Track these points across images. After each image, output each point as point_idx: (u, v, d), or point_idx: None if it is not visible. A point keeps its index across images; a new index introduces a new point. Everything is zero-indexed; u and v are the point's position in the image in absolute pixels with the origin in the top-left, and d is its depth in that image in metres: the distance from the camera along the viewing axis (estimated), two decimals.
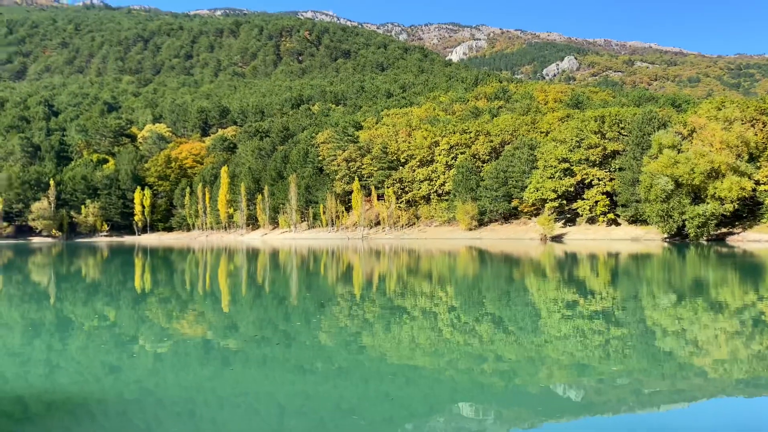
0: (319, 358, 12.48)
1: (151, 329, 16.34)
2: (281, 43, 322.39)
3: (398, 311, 18.70)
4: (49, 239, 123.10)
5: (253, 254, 59.77)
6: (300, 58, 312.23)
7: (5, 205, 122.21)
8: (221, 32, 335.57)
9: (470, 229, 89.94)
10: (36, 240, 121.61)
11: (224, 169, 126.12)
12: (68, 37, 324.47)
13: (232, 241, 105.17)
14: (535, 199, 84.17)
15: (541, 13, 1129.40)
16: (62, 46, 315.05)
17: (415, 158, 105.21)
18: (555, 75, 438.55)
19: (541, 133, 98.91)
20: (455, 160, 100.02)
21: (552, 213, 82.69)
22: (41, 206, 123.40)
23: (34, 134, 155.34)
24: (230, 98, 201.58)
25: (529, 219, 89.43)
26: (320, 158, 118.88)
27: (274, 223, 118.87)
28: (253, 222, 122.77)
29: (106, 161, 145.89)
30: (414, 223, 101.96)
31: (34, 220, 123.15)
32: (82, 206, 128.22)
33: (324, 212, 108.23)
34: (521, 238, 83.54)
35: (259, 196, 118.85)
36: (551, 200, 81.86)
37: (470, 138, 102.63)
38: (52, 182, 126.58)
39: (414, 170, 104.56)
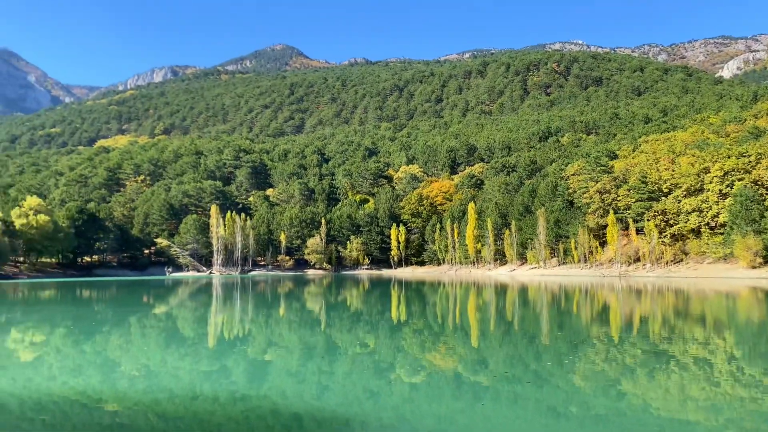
0: (574, 403, 11.70)
1: (406, 358, 17.11)
2: (528, 78, 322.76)
3: (664, 357, 16.74)
4: (321, 271, 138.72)
5: (501, 290, 59.59)
6: (548, 90, 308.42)
7: (287, 241, 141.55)
8: (469, 74, 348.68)
9: (753, 267, 77.54)
10: (310, 272, 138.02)
11: (471, 205, 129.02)
12: (336, 92, 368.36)
13: (479, 276, 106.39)
14: None
15: None
16: (331, 100, 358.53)
17: (681, 187, 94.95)
18: None
19: None
20: (731, 187, 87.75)
21: None
22: (314, 242, 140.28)
23: (310, 179, 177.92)
24: (477, 136, 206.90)
25: None
26: (570, 191, 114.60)
27: (522, 258, 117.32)
28: (500, 257, 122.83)
29: (366, 201, 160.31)
30: (681, 260, 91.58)
31: (309, 254, 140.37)
32: (347, 242, 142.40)
33: (575, 247, 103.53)
34: None
35: (507, 231, 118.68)
36: None
37: (750, 162, 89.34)
38: (323, 221, 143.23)
39: (679, 200, 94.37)
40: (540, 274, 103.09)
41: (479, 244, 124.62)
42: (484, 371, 14.96)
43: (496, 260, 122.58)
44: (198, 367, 16.04)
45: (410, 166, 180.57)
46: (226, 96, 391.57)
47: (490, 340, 21.62)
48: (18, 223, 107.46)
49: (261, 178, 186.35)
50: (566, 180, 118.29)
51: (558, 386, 13.16)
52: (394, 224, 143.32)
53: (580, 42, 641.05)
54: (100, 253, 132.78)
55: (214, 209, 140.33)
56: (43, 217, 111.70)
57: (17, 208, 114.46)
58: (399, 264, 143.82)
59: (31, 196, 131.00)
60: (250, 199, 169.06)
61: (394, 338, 21.95)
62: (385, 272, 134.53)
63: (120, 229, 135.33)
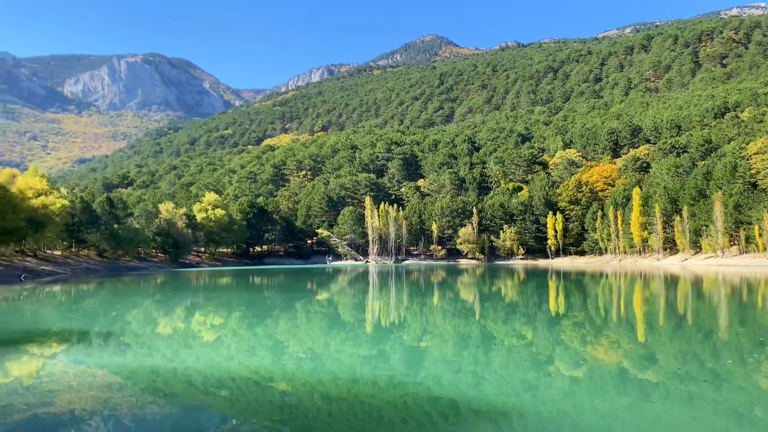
0: (761, 406, 10.51)
1: (566, 351, 16.48)
2: (699, 49, 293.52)
3: None
4: (473, 261, 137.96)
5: (671, 281, 55.07)
6: (724, 61, 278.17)
7: (439, 231, 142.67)
8: (631, 49, 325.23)
9: None
10: (463, 261, 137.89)
11: (636, 190, 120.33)
12: (486, 78, 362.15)
13: (646, 266, 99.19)
14: None
15: None
16: (482, 87, 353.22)
17: None
18: None
19: None
20: None
21: None
22: (466, 231, 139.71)
23: (460, 168, 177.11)
24: (642, 116, 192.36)
25: None
26: (753, 171, 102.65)
27: (696, 247, 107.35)
28: (670, 246, 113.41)
29: (520, 189, 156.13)
30: None
31: (460, 244, 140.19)
32: (500, 231, 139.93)
33: (760, 234, 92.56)
34: None
35: (677, 218, 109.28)
36: None
37: None
38: (474, 210, 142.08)
39: None
40: (717, 264, 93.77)
41: (646, 231, 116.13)
42: (653, 367, 13.95)
43: (665, 249, 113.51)
44: (358, 351, 16.76)
45: (567, 150, 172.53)
46: (378, 91, 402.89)
47: (659, 334, 20.10)
48: (199, 217, 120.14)
49: (412, 169, 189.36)
50: (748, 160, 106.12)
51: (740, 386, 11.91)
52: (550, 212, 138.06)
53: (763, 4, 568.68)
54: (269, 243, 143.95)
55: (368, 201, 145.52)
56: (219, 211, 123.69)
57: (198, 203, 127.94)
58: (556, 254, 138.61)
59: (209, 192, 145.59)
60: (402, 190, 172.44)
61: (553, 330, 21.24)
62: (541, 262, 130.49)
63: (285, 221, 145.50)
